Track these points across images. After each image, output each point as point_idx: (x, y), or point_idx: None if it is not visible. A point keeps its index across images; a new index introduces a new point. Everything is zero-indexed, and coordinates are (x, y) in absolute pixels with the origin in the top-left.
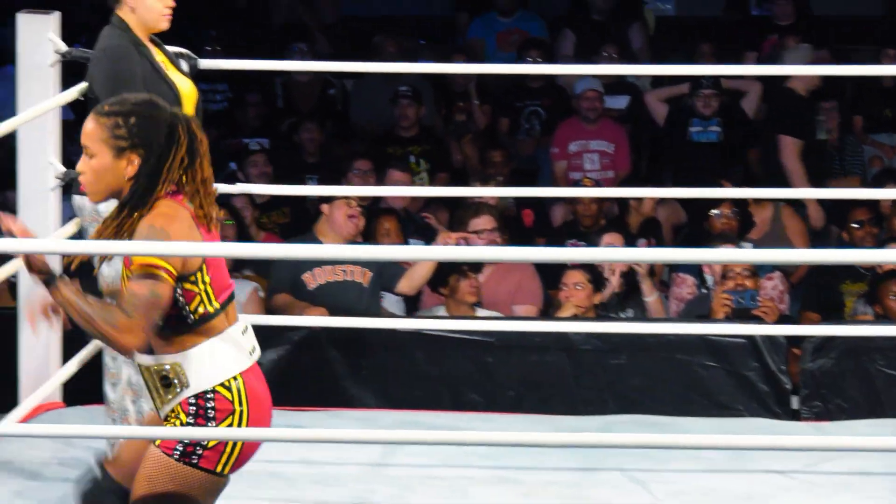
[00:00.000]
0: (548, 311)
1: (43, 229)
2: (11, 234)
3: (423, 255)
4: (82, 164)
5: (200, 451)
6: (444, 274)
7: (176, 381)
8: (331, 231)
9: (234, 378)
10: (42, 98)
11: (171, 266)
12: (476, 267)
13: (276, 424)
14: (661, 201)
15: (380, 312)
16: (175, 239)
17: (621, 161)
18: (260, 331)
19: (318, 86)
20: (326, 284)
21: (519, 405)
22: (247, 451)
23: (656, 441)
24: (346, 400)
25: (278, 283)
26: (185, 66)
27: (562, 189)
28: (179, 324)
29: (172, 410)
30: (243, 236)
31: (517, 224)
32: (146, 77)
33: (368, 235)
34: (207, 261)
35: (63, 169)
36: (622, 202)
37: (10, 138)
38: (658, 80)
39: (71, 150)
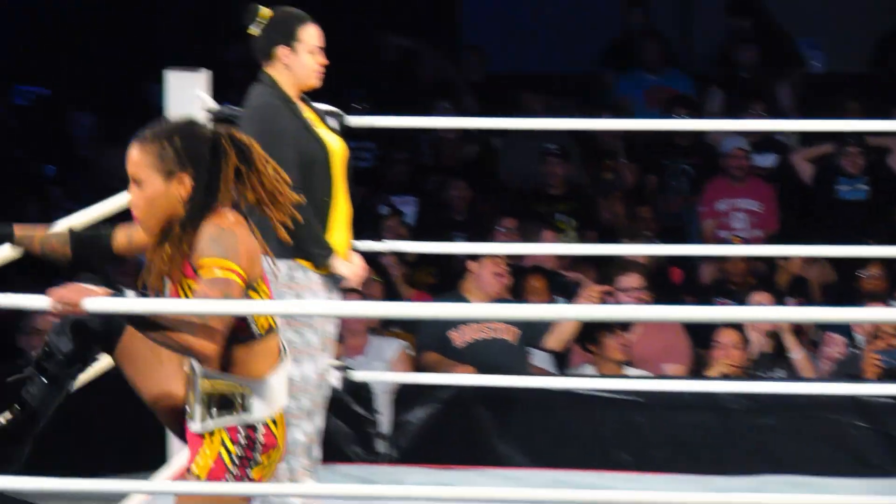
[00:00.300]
0: (697, 370)
1: None
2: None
3: (570, 314)
4: (133, 195)
5: (247, 481)
6: (593, 330)
7: (235, 404)
8: (478, 289)
9: (280, 413)
10: None
11: (241, 269)
12: (625, 324)
13: (424, 482)
14: (810, 260)
15: (527, 370)
16: (242, 244)
17: (769, 219)
18: (409, 389)
19: (465, 143)
20: (474, 342)
21: (668, 465)
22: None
23: (807, 501)
24: (495, 458)
25: (426, 341)
26: (333, 123)
27: (710, 247)
28: (247, 339)
29: (216, 432)
30: (391, 294)
31: (665, 282)
32: (296, 134)
33: (515, 293)
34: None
35: None
36: (770, 261)
37: None
38: (806, 138)
39: None
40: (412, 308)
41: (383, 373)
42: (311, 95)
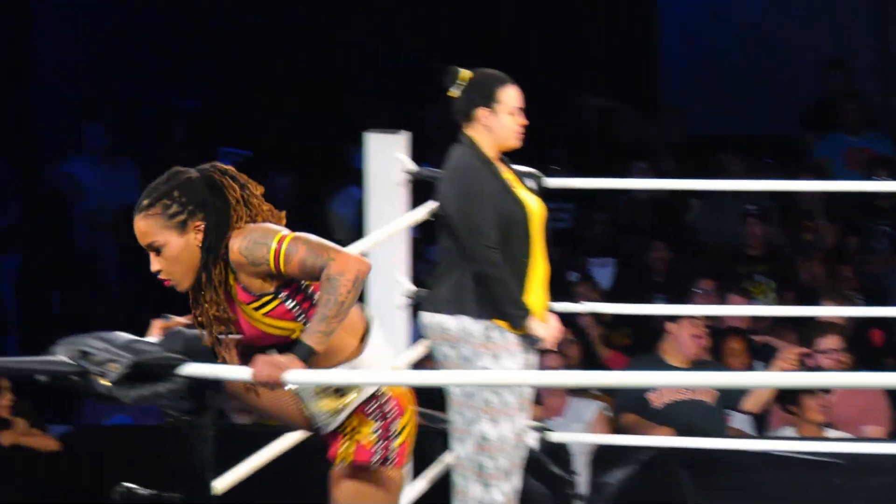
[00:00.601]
0: None
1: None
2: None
3: (768, 381)
4: (157, 263)
5: (394, 455)
6: (793, 392)
7: (349, 387)
8: (676, 350)
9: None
10: (391, 217)
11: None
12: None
13: None
14: None
15: (726, 432)
16: (262, 224)
17: None
18: (608, 450)
19: (662, 204)
20: (672, 403)
21: None
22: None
23: None
24: None
25: (624, 402)
26: (532, 184)
27: None
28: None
29: (351, 421)
30: (588, 354)
31: (865, 344)
32: (496, 195)
33: (714, 355)
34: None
35: (412, 288)
36: None
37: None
38: None
39: (419, 268)
40: (610, 377)
41: (581, 433)
42: (510, 156)
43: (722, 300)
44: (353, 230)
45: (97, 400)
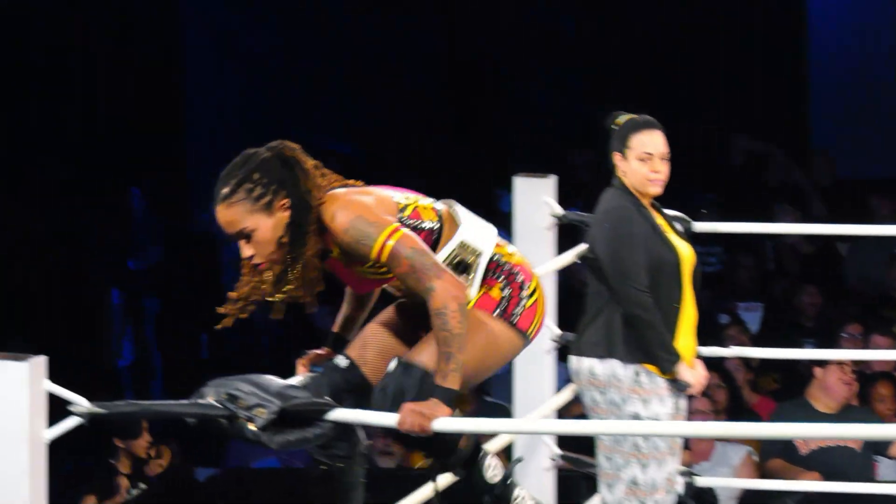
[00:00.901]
0: None
1: (538, 394)
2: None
3: None
4: (248, 249)
5: (519, 312)
6: None
7: (469, 256)
8: (823, 395)
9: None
10: (539, 262)
11: (389, 217)
12: None
13: None
14: None
15: (873, 478)
16: (365, 198)
17: None
18: (754, 495)
19: (811, 248)
20: (819, 449)
21: None
22: (543, 320)
23: None
24: None
25: (771, 447)
26: (680, 228)
27: None
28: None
29: (481, 291)
30: (736, 399)
31: None
32: (647, 239)
33: (862, 400)
34: None
35: (558, 332)
36: None
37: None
38: None
39: (566, 312)
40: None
41: (728, 478)
42: (660, 199)
43: (869, 345)
44: None
45: (245, 443)
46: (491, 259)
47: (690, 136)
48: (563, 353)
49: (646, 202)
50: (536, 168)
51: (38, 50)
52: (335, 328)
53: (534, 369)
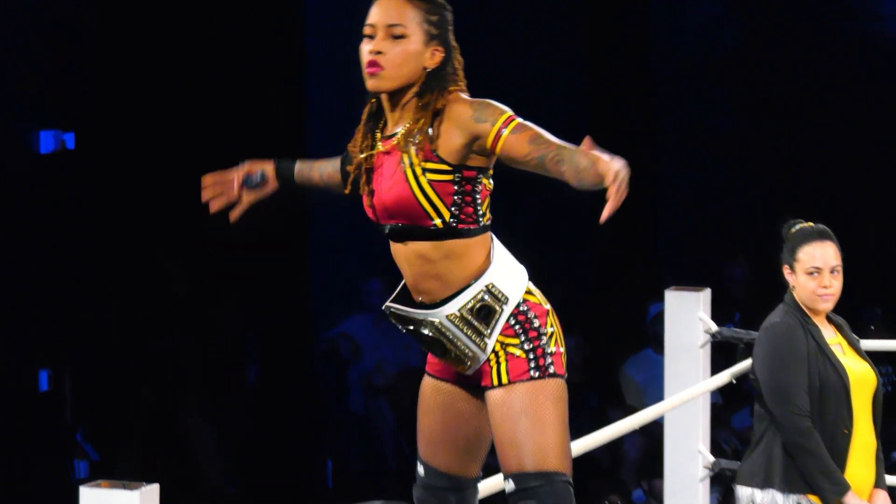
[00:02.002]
0: None
1: None
2: None
3: None
4: (383, 45)
5: (550, 359)
6: None
7: (494, 304)
8: None
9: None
10: (691, 381)
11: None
12: None
13: None
14: None
15: None
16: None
17: None
18: None
19: None
20: None
21: None
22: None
23: None
24: None
25: None
26: (862, 347)
27: None
28: (471, 224)
29: (499, 345)
30: None
31: None
32: (811, 358)
33: None
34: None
35: (712, 459)
36: None
37: (656, 424)
38: None
39: (720, 436)
40: None
41: None
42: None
43: None
44: (648, 396)
45: None
46: (518, 308)
47: (859, 251)
48: (716, 481)
49: (818, 319)
50: (689, 280)
51: None
52: (297, 169)
53: (686, 496)
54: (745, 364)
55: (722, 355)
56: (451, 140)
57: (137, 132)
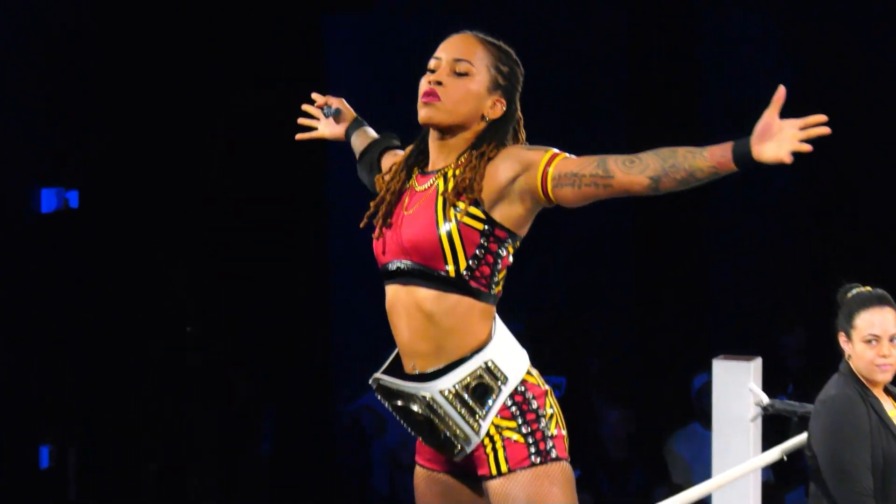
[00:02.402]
0: None
1: None
2: None
3: None
4: (448, 77)
5: (552, 443)
6: None
7: (492, 382)
8: None
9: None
10: (740, 457)
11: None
12: None
13: None
14: None
15: None
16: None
17: None
18: None
19: None
20: None
21: None
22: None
23: None
24: None
25: None
26: None
27: None
28: (482, 287)
29: (494, 429)
30: None
31: None
32: (873, 433)
33: None
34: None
35: None
36: None
37: (705, 502)
38: None
39: None
40: None
41: None
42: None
43: None
44: (695, 473)
45: None
46: (516, 389)
47: None
48: None
49: (877, 390)
50: (739, 348)
51: None
52: (359, 130)
53: None
54: (800, 439)
55: (774, 429)
56: (496, 177)
57: (144, 190)
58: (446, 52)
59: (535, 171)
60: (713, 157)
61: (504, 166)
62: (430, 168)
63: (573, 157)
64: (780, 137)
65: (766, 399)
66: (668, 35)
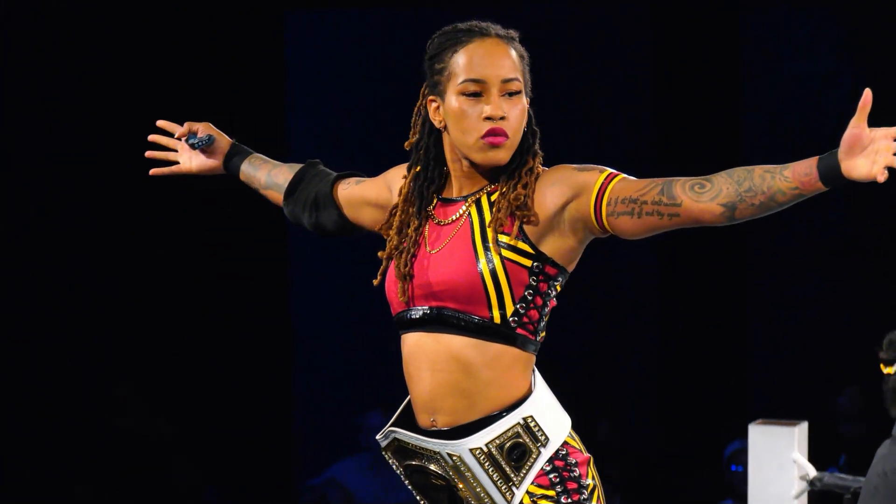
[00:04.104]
0: None
1: None
2: None
3: None
4: (508, 108)
5: None
6: None
7: (531, 444)
8: None
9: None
10: None
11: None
12: None
13: None
14: None
15: None
16: None
17: None
18: None
19: None
20: None
21: None
22: None
23: None
24: None
25: None
26: None
27: None
28: (529, 334)
29: (528, 497)
30: None
31: None
32: None
33: None
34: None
35: None
36: None
37: None
38: None
39: None
40: None
41: None
42: None
43: None
44: None
45: None
46: (556, 453)
47: None
48: None
49: None
50: (780, 411)
51: None
52: (247, 161)
53: None
54: None
55: None
56: (545, 204)
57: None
58: (491, 69)
59: (588, 196)
60: (796, 177)
61: (552, 192)
62: (454, 195)
63: (632, 178)
64: (871, 150)
65: (812, 472)
66: (703, 42)
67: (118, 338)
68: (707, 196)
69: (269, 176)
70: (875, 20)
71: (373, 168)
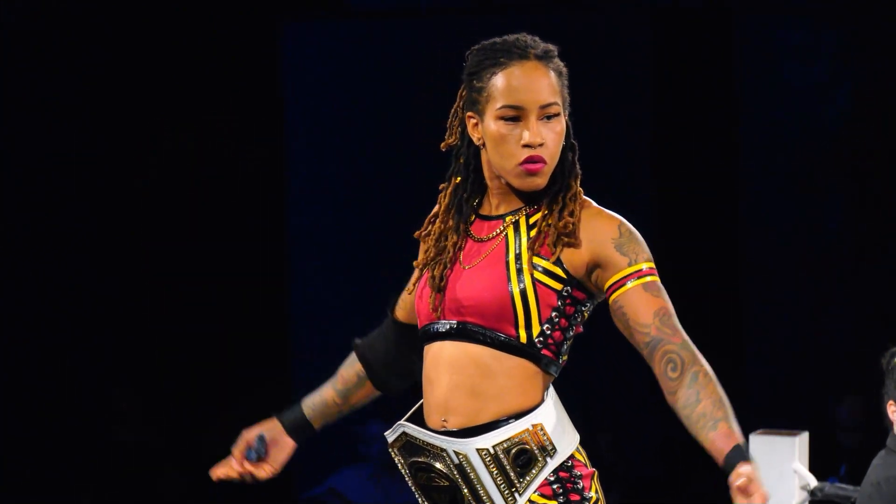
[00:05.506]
0: None
1: None
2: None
3: None
4: (546, 134)
5: None
6: None
7: (538, 451)
8: None
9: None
10: None
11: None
12: None
13: None
14: None
15: None
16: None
17: None
18: None
19: None
20: None
21: None
22: None
23: None
24: None
25: None
26: None
27: None
28: (552, 355)
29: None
30: None
31: None
32: None
33: None
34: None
35: None
36: None
37: None
38: None
39: None
40: None
41: None
42: None
43: None
44: None
45: None
46: (562, 464)
47: None
48: None
49: None
50: (781, 422)
51: None
52: (306, 408)
53: None
54: None
55: None
56: (577, 248)
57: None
58: (529, 94)
59: (608, 276)
60: (713, 446)
61: (586, 246)
62: (492, 212)
63: (651, 288)
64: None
65: (813, 482)
66: (702, 45)
67: (118, 338)
68: (669, 384)
69: (335, 389)
70: (872, 24)
71: (370, 175)
